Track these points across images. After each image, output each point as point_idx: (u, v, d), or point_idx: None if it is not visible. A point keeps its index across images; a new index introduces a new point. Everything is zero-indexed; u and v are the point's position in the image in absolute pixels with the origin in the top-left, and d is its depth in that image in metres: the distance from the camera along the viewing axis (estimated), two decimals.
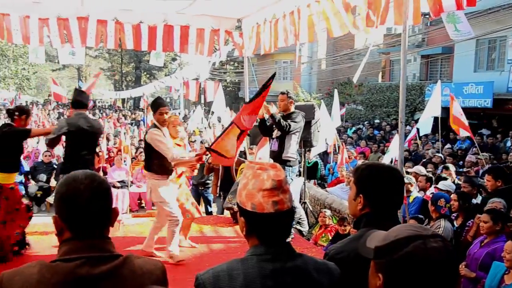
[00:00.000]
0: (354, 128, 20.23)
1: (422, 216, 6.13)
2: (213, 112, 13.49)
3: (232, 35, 7.91)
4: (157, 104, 5.32)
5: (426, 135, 14.03)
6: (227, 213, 7.85)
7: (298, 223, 7.27)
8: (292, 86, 31.10)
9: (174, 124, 5.62)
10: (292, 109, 6.23)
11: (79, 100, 5.80)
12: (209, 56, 10.15)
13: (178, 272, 4.36)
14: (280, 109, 6.23)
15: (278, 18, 6.52)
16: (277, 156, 6.12)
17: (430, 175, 7.92)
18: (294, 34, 6.12)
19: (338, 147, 11.74)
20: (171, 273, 1.68)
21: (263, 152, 7.33)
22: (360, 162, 10.23)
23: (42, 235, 6.06)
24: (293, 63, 32.99)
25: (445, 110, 11.04)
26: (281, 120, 5.89)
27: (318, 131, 7.63)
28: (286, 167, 6.01)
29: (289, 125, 5.93)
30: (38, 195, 10.77)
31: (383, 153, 12.78)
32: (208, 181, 9.11)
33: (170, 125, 5.52)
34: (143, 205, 11.02)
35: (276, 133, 6.17)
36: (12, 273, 1.48)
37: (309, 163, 10.12)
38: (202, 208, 9.43)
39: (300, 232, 7.21)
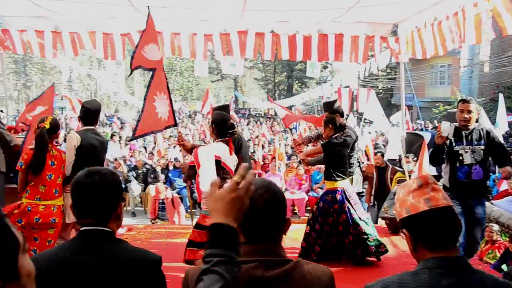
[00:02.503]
0: None
1: None
2: (365, 120, 13.25)
3: (387, 40, 7.71)
4: None
5: None
6: (382, 223, 7.65)
7: None
8: (450, 91, 29.26)
9: None
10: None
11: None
12: (363, 63, 10.03)
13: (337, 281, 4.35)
14: (471, 121, 4.91)
15: (441, 20, 6.19)
16: (481, 186, 4.93)
17: None
18: (459, 36, 5.73)
19: None
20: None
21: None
22: None
23: None
24: (451, 66, 31.05)
25: None
26: None
27: None
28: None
29: None
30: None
31: None
32: (362, 190, 8.99)
33: None
34: (296, 211, 11.23)
35: (471, 157, 4.83)
36: (196, 270, 1.61)
37: None
38: None
39: None
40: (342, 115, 5.90)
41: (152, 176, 12.10)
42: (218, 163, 4.44)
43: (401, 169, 8.16)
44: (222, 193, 1.37)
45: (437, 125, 21.70)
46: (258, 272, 1.52)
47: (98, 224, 1.86)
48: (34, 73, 52.88)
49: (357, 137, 5.80)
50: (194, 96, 52.78)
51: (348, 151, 5.53)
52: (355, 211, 5.46)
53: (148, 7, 5.38)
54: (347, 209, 5.42)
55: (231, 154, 4.53)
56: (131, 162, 13.56)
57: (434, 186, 1.65)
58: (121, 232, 6.89)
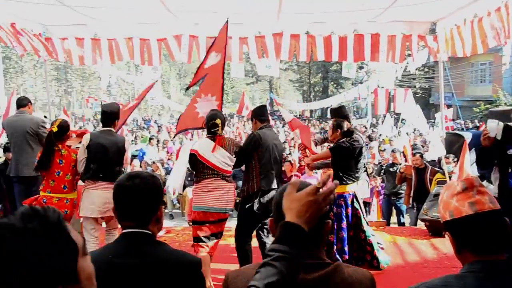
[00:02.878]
0: None
1: None
2: (403, 120, 13.07)
3: (425, 39, 7.57)
4: None
5: None
6: (421, 225, 7.50)
7: None
8: (492, 89, 28.46)
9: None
10: None
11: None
12: (400, 62, 9.88)
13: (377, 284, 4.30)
14: None
15: (482, 17, 6.01)
16: None
17: None
18: (504, 31, 5.52)
19: None
20: None
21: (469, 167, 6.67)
22: None
23: None
24: (492, 64, 30.20)
25: None
26: None
27: None
28: None
29: None
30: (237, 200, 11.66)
31: None
32: (400, 191, 8.82)
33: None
34: None
35: None
36: (236, 272, 1.63)
37: None
38: (394, 218, 9.17)
39: None
40: (349, 120, 5.83)
41: (189, 178, 12.21)
42: (194, 156, 4.64)
43: (440, 170, 7.98)
44: (300, 194, 1.37)
45: (478, 124, 21.15)
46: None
47: (138, 226, 1.89)
48: (74, 79, 54.39)
49: (364, 142, 5.74)
50: (229, 99, 53.21)
51: (355, 155, 5.48)
52: (363, 216, 5.43)
53: (228, 17, 5.67)
54: (356, 213, 5.41)
55: (212, 151, 4.63)
56: (168, 165, 13.73)
57: (480, 189, 1.58)
58: (159, 234, 6.98)
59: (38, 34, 7.42)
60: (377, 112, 18.18)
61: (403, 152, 9.72)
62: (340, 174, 5.44)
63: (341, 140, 5.39)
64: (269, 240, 4.91)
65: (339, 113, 5.84)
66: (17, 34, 6.76)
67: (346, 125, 5.47)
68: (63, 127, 4.90)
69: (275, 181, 4.87)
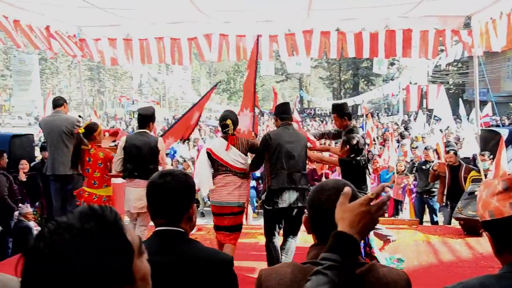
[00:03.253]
0: None
1: None
2: (436, 117, 12.81)
3: (459, 34, 7.38)
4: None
5: None
6: (455, 223, 7.35)
7: None
8: None
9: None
10: None
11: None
12: (433, 58, 9.68)
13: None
14: None
15: None
16: None
17: None
18: None
19: None
20: None
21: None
22: None
23: None
24: None
25: None
26: None
27: None
28: None
29: None
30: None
31: None
32: (433, 189, 8.66)
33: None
34: None
35: None
36: (269, 270, 1.63)
37: None
38: (427, 217, 9.01)
39: None
40: (350, 118, 5.80)
41: None
42: (209, 155, 5.12)
43: (475, 168, 7.79)
44: (352, 205, 1.38)
45: None
46: None
47: (170, 224, 1.90)
48: (107, 79, 55.42)
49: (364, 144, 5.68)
50: (259, 97, 53.23)
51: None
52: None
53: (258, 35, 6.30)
54: None
55: (226, 149, 5.02)
56: None
57: None
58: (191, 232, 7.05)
59: (72, 36, 7.58)
60: (409, 109, 17.86)
61: (436, 150, 9.56)
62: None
63: (351, 156, 5.32)
64: (290, 239, 5.01)
65: (341, 110, 5.83)
66: (49, 37, 6.92)
67: (355, 140, 5.33)
68: (90, 128, 5.55)
69: (285, 180, 4.89)
